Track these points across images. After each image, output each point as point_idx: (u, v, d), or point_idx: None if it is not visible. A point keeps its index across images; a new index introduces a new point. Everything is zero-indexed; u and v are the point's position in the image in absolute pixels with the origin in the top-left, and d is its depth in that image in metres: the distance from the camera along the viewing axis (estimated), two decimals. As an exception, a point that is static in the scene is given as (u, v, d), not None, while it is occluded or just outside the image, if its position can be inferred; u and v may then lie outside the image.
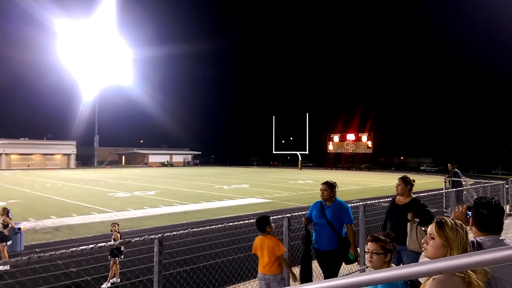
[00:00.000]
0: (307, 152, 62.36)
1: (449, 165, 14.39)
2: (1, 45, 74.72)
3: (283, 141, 72.12)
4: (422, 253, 2.70)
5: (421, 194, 8.94)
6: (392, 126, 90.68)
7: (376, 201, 7.63)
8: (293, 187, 27.72)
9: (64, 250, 3.48)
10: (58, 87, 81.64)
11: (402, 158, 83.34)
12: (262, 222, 4.63)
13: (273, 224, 4.67)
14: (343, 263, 5.08)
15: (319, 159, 73.71)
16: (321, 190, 5.16)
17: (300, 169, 60.33)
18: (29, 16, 70.12)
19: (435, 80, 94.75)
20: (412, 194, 5.17)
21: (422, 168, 70.93)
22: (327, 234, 4.99)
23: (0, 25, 76.05)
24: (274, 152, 66.46)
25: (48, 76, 78.77)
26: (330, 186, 5.15)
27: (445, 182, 14.56)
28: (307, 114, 61.12)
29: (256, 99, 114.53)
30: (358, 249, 5.40)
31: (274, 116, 65.34)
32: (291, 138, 73.72)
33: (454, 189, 12.29)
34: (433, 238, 1.98)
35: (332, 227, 4.97)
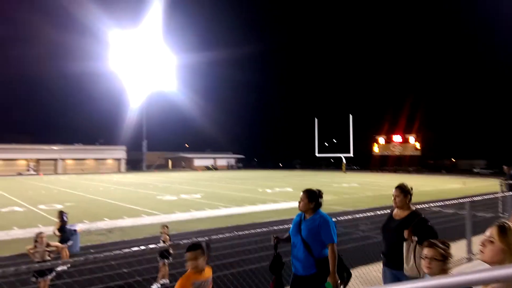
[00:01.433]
0: (351, 155, 60.92)
1: (504, 167, 13.60)
2: (61, 57, 79.78)
3: (326, 144, 71.23)
4: (477, 256, 2.55)
5: (475, 198, 8.51)
6: (442, 126, 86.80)
7: (426, 205, 7.33)
8: (337, 190, 27.25)
9: (118, 251, 3.64)
10: (108, 94, 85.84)
11: (453, 160, 79.68)
12: (188, 250, 3.38)
13: (200, 260, 3.32)
14: None
15: (364, 162, 71.98)
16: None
17: (345, 172, 59.26)
18: (84, 27, 74.41)
19: (487, 77, 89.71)
20: (412, 206, 4.35)
21: (476, 170, 67.43)
22: (301, 255, 4.07)
23: (59, 36, 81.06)
24: (317, 155, 65.64)
25: (99, 84, 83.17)
26: (309, 195, 4.11)
27: (501, 185, 13.76)
28: (351, 115, 59.71)
29: (298, 102, 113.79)
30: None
31: (316, 119, 64.61)
32: (335, 141, 72.65)
33: (511, 193, 11.60)
34: (492, 242, 1.91)
35: (307, 247, 4.02)
